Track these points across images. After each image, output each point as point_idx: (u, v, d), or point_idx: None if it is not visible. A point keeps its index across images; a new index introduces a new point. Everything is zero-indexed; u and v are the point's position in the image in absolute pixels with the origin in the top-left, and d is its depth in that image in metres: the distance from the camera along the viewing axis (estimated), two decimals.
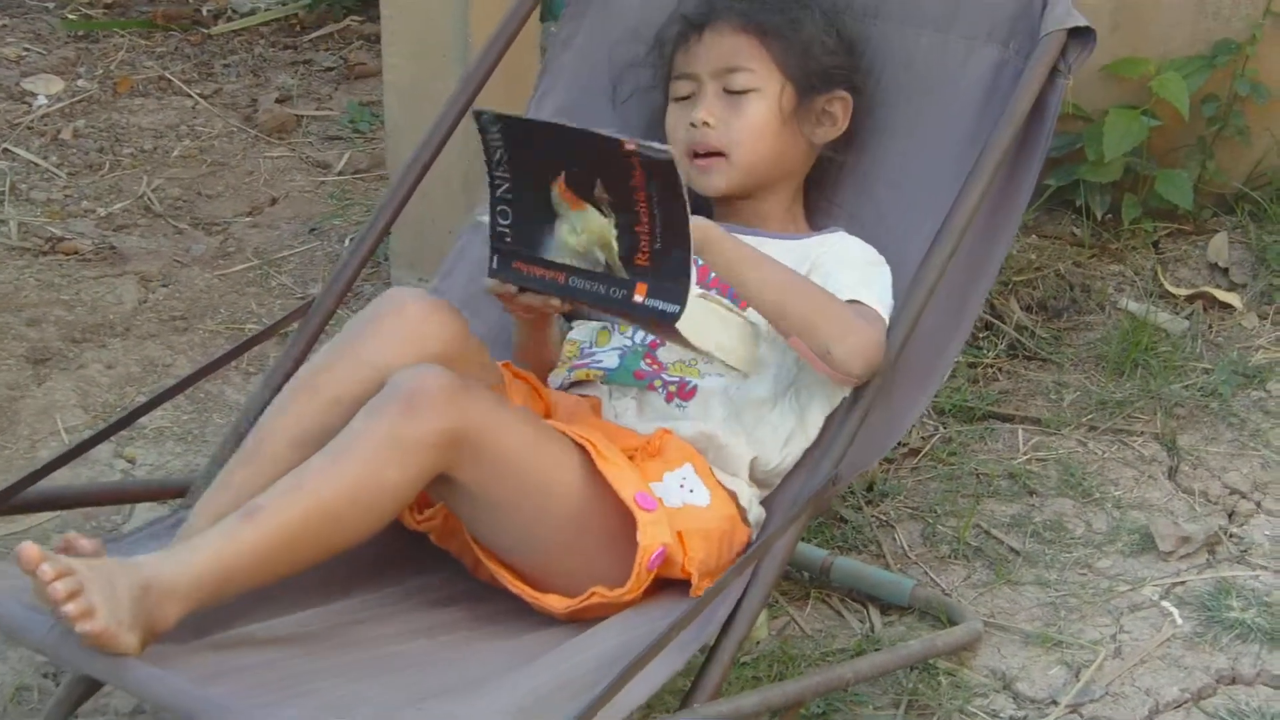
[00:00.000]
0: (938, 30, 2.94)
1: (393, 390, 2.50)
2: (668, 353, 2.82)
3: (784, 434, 2.78)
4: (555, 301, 2.65)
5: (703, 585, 2.63)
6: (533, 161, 2.56)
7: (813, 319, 2.67)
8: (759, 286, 2.68)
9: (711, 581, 2.62)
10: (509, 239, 2.62)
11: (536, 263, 2.60)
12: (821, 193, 2.99)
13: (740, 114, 2.87)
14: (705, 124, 2.86)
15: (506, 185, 2.60)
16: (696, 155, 2.88)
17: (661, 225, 2.48)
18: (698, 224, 2.55)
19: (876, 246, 2.89)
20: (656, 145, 2.44)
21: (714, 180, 2.89)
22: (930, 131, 2.93)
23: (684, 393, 2.78)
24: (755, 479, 2.78)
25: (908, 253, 2.82)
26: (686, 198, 2.45)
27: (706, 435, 2.75)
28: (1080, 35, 2.82)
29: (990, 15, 2.90)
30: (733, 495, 2.73)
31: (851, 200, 2.98)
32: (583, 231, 2.54)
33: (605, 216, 2.52)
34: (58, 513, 3.29)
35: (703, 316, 2.56)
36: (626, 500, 2.57)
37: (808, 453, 2.80)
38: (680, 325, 2.50)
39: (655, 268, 2.51)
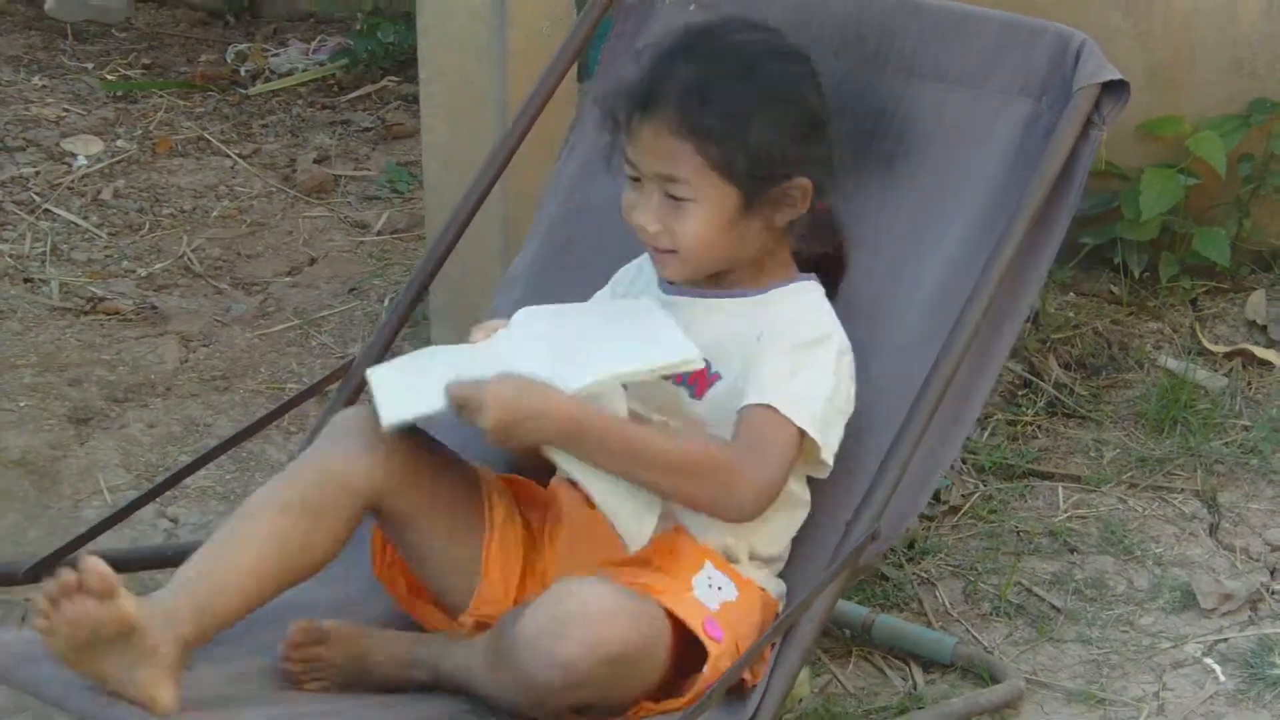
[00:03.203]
0: (970, 86, 2.94)
1: None
2: None
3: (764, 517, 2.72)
4: None
5: (759, 670, 2.61)
6: None
7: (692, 499, 2.66)
8: (631, 477, 2.65)
9: (764, 666, 2.61)
10: None
11: None
12: (851, 238, 2.92)
13: (681, 220, 2.71)
14: (646, 230, 2.74)
15: None
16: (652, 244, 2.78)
17: None
18: (567, 417, 2.59)
19: (908, 301, 2.87)
20: None
21: (670, 272, 2.79)
22: (963, 185, 2.91)
23: None
24: (760, 560, 2.75)
25: (943, 306, 2.81)
26: None
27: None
28: (1114, 89, 2.82)
29: (1023, 70, 2.90)
30: (749, 580, 2.72)
31: (886, 252, 2.94)
32: None
33: None
34: None
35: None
36: (696, 630, 2.56)
37: (808, 519, 2.78)
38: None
39: None
